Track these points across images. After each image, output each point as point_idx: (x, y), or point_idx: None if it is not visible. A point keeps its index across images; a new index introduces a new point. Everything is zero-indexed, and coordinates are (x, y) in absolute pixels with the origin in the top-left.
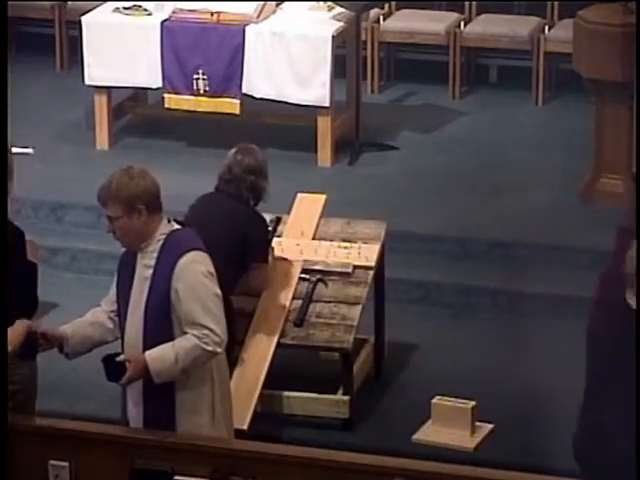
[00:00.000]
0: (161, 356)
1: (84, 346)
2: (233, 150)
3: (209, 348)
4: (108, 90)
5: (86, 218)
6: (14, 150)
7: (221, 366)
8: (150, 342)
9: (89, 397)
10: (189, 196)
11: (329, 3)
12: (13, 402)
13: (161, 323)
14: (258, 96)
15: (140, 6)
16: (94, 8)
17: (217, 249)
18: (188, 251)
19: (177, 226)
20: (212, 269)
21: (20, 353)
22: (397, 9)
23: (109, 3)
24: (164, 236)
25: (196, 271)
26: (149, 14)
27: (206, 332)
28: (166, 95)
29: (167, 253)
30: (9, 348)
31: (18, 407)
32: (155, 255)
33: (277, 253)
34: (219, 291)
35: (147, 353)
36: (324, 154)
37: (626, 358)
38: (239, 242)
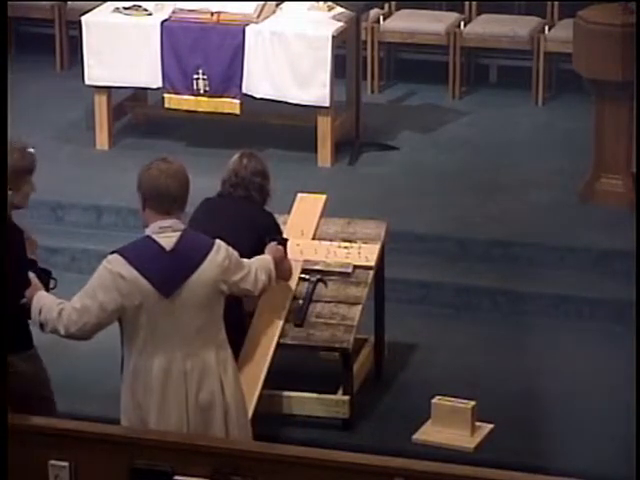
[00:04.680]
0: (43, 299)
1: None
2: (236, 155)
3: (56, 321)
4: (108, 90)
5: (86, 218)
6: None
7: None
8: None
9: (90, 397)
10: (189, 196)
11: (329, 3)
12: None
13: None
14: (258, 96)
15: (140, 6)
16: (94, 8)
17: (236, 250)
18: (115, 252)
19: (154, 235)
20: (115, 276)
21: None
22: (397, 9)
23: (109, 3)
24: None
25: (103, 266)
26: (149, 14)
27: (64, 307)
28: (166, 95)
29: None
30: None
31: (21, 404)
32: None
33: None
34: (104, 298)
35: (42, 291)
36: (324, 154)
37: None
38: (256, 241)
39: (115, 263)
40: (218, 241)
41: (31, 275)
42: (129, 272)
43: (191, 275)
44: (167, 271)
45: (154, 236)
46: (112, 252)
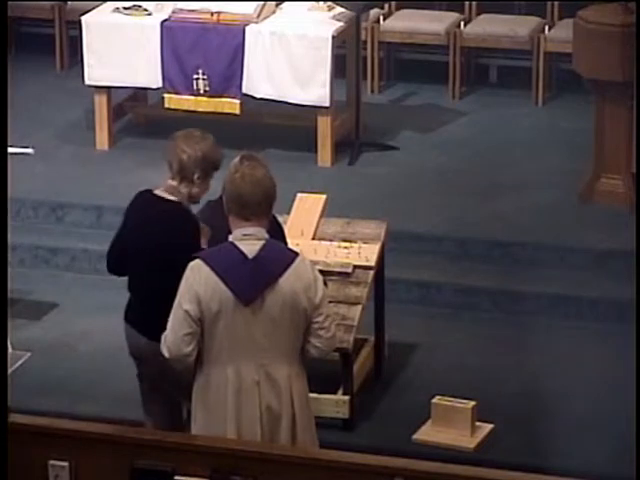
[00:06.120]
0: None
1: None
2: (237, 158)
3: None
4: (108, 90)
5: (86, 218)
6: (12, 150)
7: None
8: None
9: (91, 398)
10: None
11: (329, 3)
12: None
13: None
14: (258, 96)
15: (140, 6)
16: (94, 8)
17: None
18: (197, 258)
19: (236, 241)
20: (196, 282)
21: None
22: (397, 9)
23: (109, 3)
24: None
25: (186, 273)
26: (149, 14)
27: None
28: (166, 95)
29: None
30: None
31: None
32: None
33: None
34: (188, 306)
35: None
36: (324, 154)
37: None
38: None
39: (197, 269)
40: (302, 255)
41: None
42: (210, 278)
43: (272, 285)
44: (247, 279)
45: (237, 243)
46: (195, 257)
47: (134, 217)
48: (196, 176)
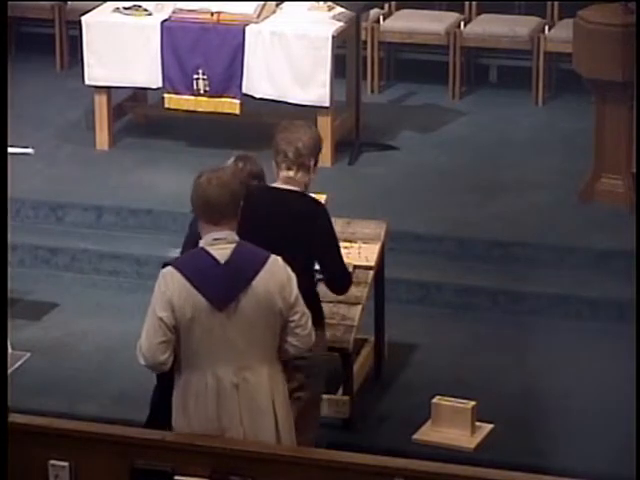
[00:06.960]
0: None
1: None
2: (231, 160)
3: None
4: (108, 90)
5: (86, 218)
6: (12, 150)
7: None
8: None
9: (90, 398)
10: (188, 196)
11: (329, 3)
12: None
13: None
14: (258, 96)
15: (140, 6)
16: (94, 8)
17: None
18: (169, 265)
19: (207, 246)
20: (169, 290)
21: None
22: (397, 9)
23: (109, 3)
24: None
25: (158, 280)
26: (149, 14)
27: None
28: (166, 95)
29: None
30: None
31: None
32: None
33: None
34: (162, 314)
35: None
36: (324, 154)
37: None
38: None
39: (169, 276)
40: (274, 255)
41: None
42: (182, 285)
43: (245, 288)
44: (221, 284)
45: (208, 248)
46: (166, 264)
47: (258, 212)
48: (312, 163)
